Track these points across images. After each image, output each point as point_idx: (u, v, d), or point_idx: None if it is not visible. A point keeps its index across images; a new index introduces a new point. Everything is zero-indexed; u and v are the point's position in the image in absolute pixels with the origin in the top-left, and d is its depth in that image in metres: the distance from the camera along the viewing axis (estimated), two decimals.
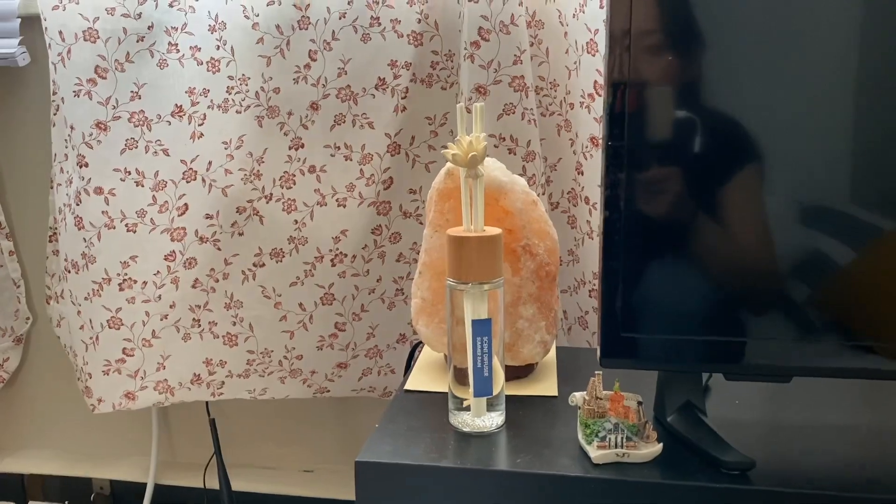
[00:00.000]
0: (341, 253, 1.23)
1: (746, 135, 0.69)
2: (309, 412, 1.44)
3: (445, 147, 0.76)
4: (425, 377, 0.92)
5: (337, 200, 1.21)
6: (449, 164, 0.89)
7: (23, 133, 1.38)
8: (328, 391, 1.32)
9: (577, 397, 0.77)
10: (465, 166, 0.76)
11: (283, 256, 1.22)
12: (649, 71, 0.69)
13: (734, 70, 0.68)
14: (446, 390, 0.80)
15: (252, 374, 1.28)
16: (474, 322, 0.76)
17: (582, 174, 1.15)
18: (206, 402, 1.35)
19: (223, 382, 1.28)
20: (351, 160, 1.20)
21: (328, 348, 1.27)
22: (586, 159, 1.13)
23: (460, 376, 0.78)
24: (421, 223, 1.25)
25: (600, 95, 1.09)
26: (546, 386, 0.90)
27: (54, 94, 1.20)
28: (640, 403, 0.77)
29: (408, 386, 0.90)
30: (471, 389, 0.77)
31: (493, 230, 0.77)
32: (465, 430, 0.78)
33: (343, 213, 1.21)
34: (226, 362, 1.27)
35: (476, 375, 0.77)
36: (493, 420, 0.78)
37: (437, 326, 0.92)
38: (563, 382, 0.90)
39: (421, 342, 1.06)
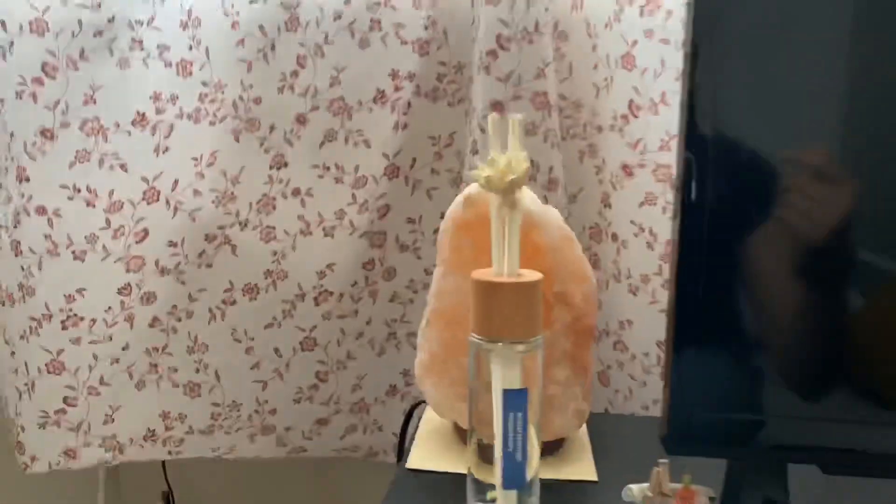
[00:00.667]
0: (326, 290, 1.06)
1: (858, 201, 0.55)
2: (281, 475, 1.26)
3: (474, 168, 0.60)
4: (431, 451, 0.76)
5: (324, 229, 1.05)
6: (469, 191, 0.73)
7: None
8: (305, 451, 1.14)
9: (636, 491, 0.61)
10: (500, 193, 0.60)
11: (258, 293, 1.06)
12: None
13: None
14: (460, 470, 0.64)
15: (217, 431, 1.10)
16: (507, 393, 0.59)
17: (609, 207, 1.00)
18: (163, 462, 1.16)
19: (182, 439, 1.10)
20: (342, 183, 1.05)
21: (307, 401, 1.11)
22: (615, 189, 0.98)
23: (486, 454, 0.61)
24: (419, 257, 1.10)
25: (637, 117, 0.94)
26: (582, 467, 0.73)
27: None
28: (712, 500, 0.60)
29: (411, 464, 0.72)
30: (498, 478, 0.60)
31: (532, 274, 0.61)
32: None
33: (330, 245, 1.06)
34: (186, 416, 1.10)
35: (507, 461, 0.60)
36: None
37: (447, 388, 0.75)
38: (598, 460, 0.74)
39: (420, 401, 0.89)
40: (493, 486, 0.61)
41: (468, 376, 0.73)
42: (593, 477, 0.71)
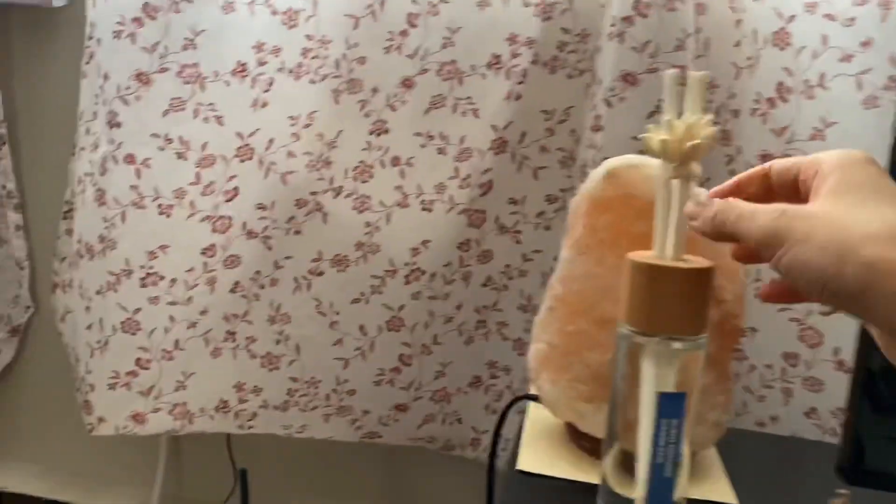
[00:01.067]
0: (418, 269, 0.99)
1: None
2: (350, 459, 1.19)
3: (649, 134, 0.51)
4: (544, 453, 0.68)
5: (422, 202, 0.98)
6: (608, 165, 0.65)
7: (49, 88, 1.18)
8: (380, 437, 1.08)
9: None
10: (675, 160, 0.51)
11: (348, 266, 1.00)
12: None
13: None
14: (577, 477, 0.56)
15: (292, 407, 1.05)
16: (663, 397, 0.50)
17: None
18: (228, 436, 1.11)
19: (255, 413, 1.05)
20: (445, 154, 0.98)
21: (387, 384, 1.04)
22: None
23: (627, 464, 0.53)
24: (519, 242, 1.02)
25: (785, 101, 0.84)
26: (717, 487, 0.65)
27: (90, 38, 0.98)
28: None
29: (522, 465, 0.64)
30: (640, 492, 0.52)
31: (701, 261, 0.52)
32: None
33: (427, 220, 0.99)
34: (261, 389, 1.04)
35: (655, 475, 0.51)
36: None
37: (567, 386, 0.67)
38: (731, 479, 0.65)
39: (519, 397, 0.81)
40: (630, 501, 0.52)
41: (596, 371, 0.65)
42: (732, 499, 0.62)
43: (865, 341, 0.53)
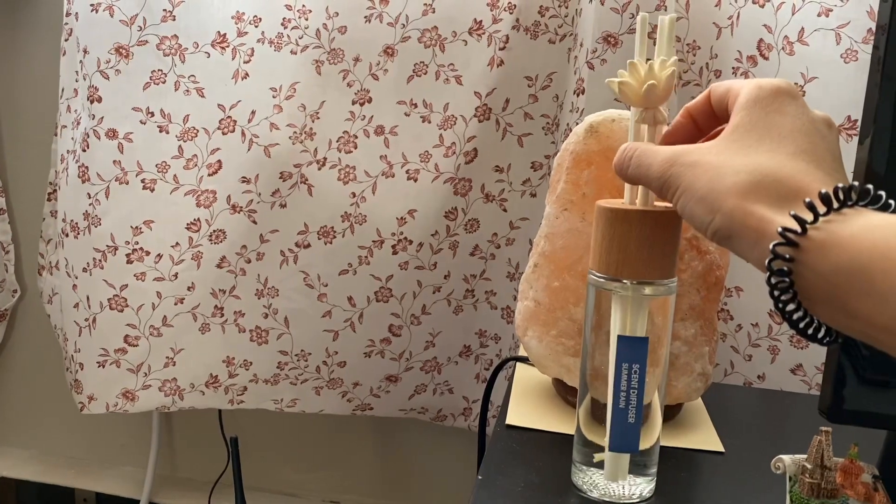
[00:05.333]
0: (405, 238, 0.99)
1: None
2: (342, 432, 1.19)
3: (617, 77, 0.51)
4: (531, 409, 0.68)
5: (407, 172, 0.97)
6: (590, 120, 0.65)
7: (28, 67, 1.16)
8: (371, 408, 1.08)
9: (788, 462, 0.52)
10: (637, 104, 0.50)
11: (334, 237, 0.99)
12: None
13: None
14: (564, 430, 0.60)
15: (282, 381, 1.04)
16: (621, 340, 0.50)
17: None
18: (219, 413, 1.11)
19: (245, 388, 1.04)
20: (429, 122, 0.97)
21: (378, 356, 1.04)
22: None
23: (599, 414, 0.53)
24: (505, 210, 1.02)
25: (766, 58, 0.84)
26: (704, 436, 0.65)
27: (67, 13, 0.96)
28: (876, 478, 0.52)
29: (511, 420, 0.65)
30: (606, 440, 0.52)
31: (669, 206, 0.52)
32: (593, 495, 0.53)
33: (413, 189, 0.98)
34: (251, 363, 1.03)
35: (616, 420, 0.51)
36: (637, 488, 0.53)
37: (552, 341, 0.67)
38: (718, 431, 0.66)
39: (506, 359, 0.82)
40: (602, 448, 0.53)
41: (582, 325, 0.65)
42: (719, 447, 0.63)
43: None
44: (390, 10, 0.94)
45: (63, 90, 1.01)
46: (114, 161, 0.96)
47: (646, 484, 0.54)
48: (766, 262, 0.33)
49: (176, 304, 1.01)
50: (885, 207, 0.33)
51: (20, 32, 1.16)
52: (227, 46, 0.94)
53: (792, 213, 0.32)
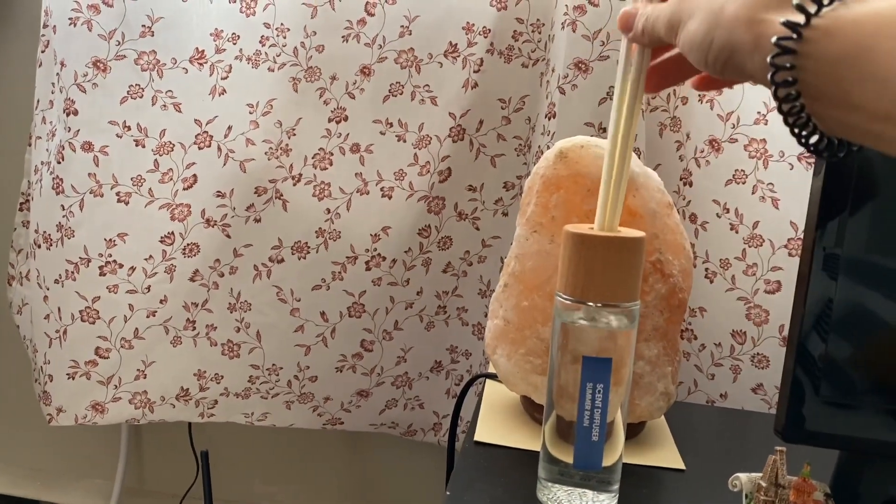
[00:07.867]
0: (379, 255, 1.00)
1: None
2: (313, 446, 1.20)
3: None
4: (499, 425, 0.69)
5: (382, 189, 0.99)
6: (560, 145, 0.67)
7: (2, 77, 1.14)
8: (341, 423, 1.08)
9: (745, 480, 0.54)
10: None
11: (308, 252, 1.00)
12: None
13: None
14: (531, 447, 0.61)
15: (253, 395, 1.04)
16: (586, 360, 0.52)
17: (690, 185, 0.93)
18: (189, 426, 1.11)
19: (216, 401, 1.04)
20: (404, 142, 0.98)
21: (349, 371, 1.05)
22: (699, 167, 0.91)
23: (564, 431, 0.55)
24: (477, 228, 1.04)
25: (731, 88, 0.87)
26: (666, 454, 0.67)
27: (45, 25, 0.97)
28: (828, 496, 0.54)
29: (479, 437, 0.66)
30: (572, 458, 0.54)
31: (634, 232, 0.54)
32: None
33: (387, 206, 0.99)
34: (222, 377, 1.04)
35: (581, 438, 0.53)
36: None
37: (521, 359, 0.69)
38: (679, 449, 0.68)
39: (476, 376, 0.83)
40: (567, 466, 0.54)
41: (549, 345, 0.67)
42: (680, 465, 0.65)
43: (800, 316, 0.56)
44: (368, 30, 0.95)
45: (38, 101, 1.01)
46: (89, 174, 0.96)
47: (608, 500, 0.55)
48: (770, 58, 0.32)
49: (148, 316, 1.01)
50: None
51: None
52: (205, 63, 0.95)
53: (795, 2, 0.31)
